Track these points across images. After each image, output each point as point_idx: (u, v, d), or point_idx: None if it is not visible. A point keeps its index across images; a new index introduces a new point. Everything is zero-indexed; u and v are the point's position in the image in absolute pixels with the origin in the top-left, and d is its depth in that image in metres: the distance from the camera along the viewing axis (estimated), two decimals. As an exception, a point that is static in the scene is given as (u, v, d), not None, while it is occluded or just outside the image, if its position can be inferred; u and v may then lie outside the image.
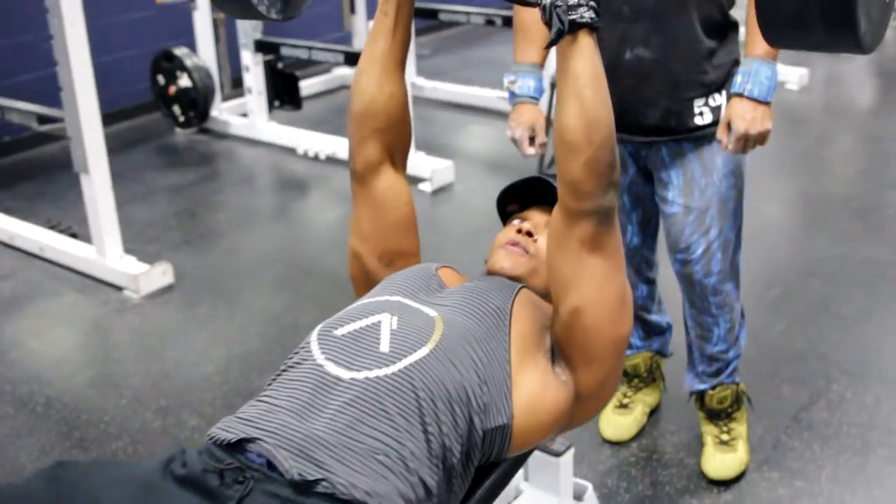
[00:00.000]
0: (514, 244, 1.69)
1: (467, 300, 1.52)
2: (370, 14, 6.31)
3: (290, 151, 5.12)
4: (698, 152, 2.26)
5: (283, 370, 1.46)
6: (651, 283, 2.63)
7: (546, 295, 1.64)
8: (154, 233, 4.13)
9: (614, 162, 1.41)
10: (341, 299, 3.13)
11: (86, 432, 2.73)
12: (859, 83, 6.65)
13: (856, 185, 4.66)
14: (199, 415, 2.80)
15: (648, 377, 2.72)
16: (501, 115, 5.61)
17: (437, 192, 4.50)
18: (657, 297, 2.68)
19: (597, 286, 1.45)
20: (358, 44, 6.21)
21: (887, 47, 7.20)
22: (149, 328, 3.34)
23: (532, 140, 2.30)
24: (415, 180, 4.35)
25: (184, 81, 5.25)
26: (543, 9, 1.38)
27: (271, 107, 5.34)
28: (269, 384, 1.45)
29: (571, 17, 1.36)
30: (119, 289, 3.57)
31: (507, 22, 5.79)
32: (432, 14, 6.04)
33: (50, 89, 4.53)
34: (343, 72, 6.40)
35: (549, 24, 1.38)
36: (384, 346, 1.41)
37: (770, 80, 2.09)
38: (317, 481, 1.26)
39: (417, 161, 4.41)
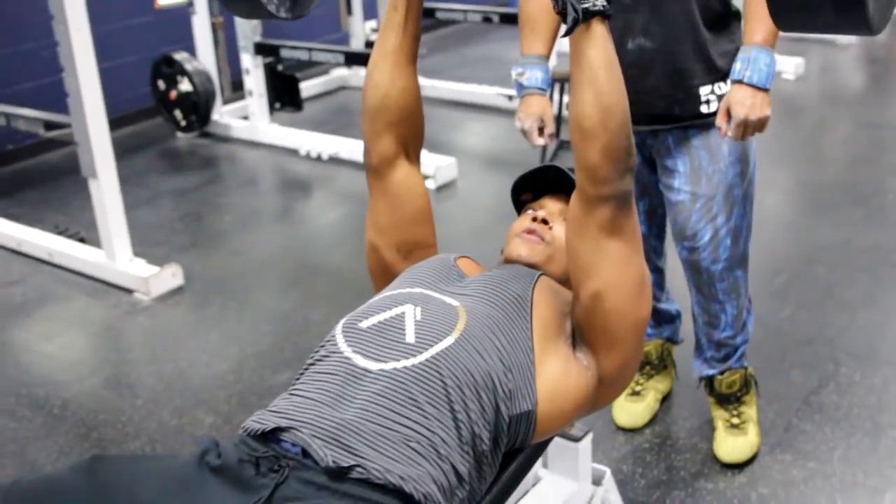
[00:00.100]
0: (530, 232, 1.71)
1: (488, 289, 1.55)
2: (367, 15, 6.35)
3: (293, 153, 5.14)
4: (705, 140, 2.28)
5: (311, 364, 1.49)
6: (659, 272, 2.65)
7: (563, 281, 1.67)
8: (161, 236, 4.15)
9: (630, 147, 1.44)
10: (350, 296, 3.18)
11: (104, 433, 2.76)
12: (854, 71, 6.69)
13: (855, 171, 4.70)
14: (215, 413, 2.82)
15: (660, 364, 2.75)
16: (500, 112, 5.66)
17: (440, 188, 4.53)
18: (665, 286, 2.71)
19: (617, 269, 1.48)
20: (355, 45, 6.24)
21: (879, 35, 7.23)
22: (161, 329, 3.37)
23: (541, 131, 2.32)
24: (418, 178, 4.37)
25: (185, 86, 5.27)
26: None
27: (272, 109, 5.37)
28: (298, 378, 1.48)
29: (585, 6, 1.39)
30: (129, 292, 3.59)
31: (504, 19, 5.83)
32: (429, 13, 6.07)
33: (51, 97, 4.57)
34: (342, 73, 6.43)
35: (562, 13, 1.41)
36: (410, 337, 1.44)
37: (769, 67, 2.11)
38: (351, 467, 1.29)
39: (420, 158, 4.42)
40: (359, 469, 1.29)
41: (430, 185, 4.46)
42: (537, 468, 2.07)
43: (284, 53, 5.21)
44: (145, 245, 3.91)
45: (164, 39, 5.54)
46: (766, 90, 2.11)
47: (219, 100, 5.44)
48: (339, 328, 1.52)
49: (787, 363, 2.94)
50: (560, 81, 4.55)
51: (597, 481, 2.11)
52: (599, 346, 1.52)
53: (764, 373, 2.74)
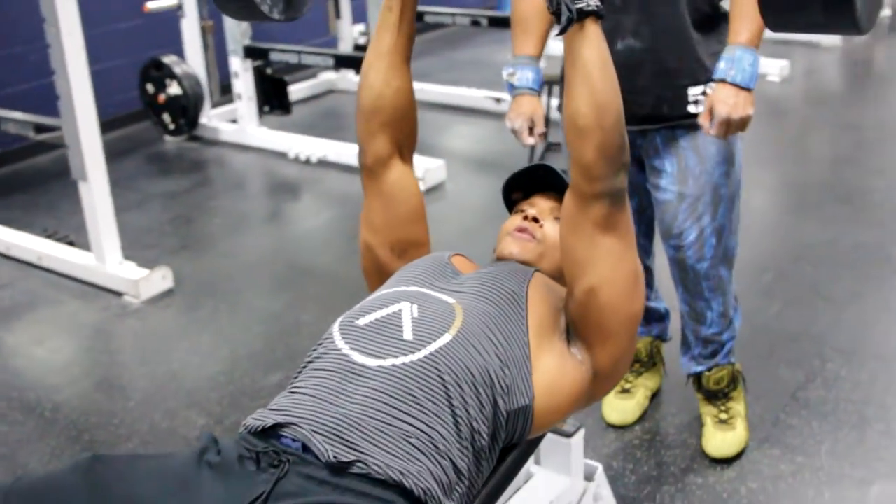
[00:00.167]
0: (522, 230, 1.73)
1: (484, 286, 1.57)
2: (355, 19, 6.37)
3: (282, 156, 5.16)
4: (692, 140, 2.30)
5: (308, 362, 1.50)
6: (648, 271, 2.68)
7: (555, 278, 1.69)
8: (151, 239, 4.16)
9: (624, 144, 1.46)
10: (341, 298, 3.20)
11: (95, 435, 2.76)
12: (838, 73, 6.75)
13: (839, 171, 4.75)
14: (207, 414, 2.83)
15: (649, 362, 2.78)
16: (488, 115, 5.69)
17: (429, 191, 4.55)
18: (654, 285, 2.73)
19: (611, 265, 1.50)
20: (344, 48, 6.26)
21: (862, 38, 7.31)
22: (151, 332, 3.37)
23: (531, 130, 2.35)
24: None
25: (173, 89, 5.28)
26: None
27: (261, 112, 5.38)
28: (296, 377, 1.49)
29: (579, 6, 1.41)
30: (119, 294, 3.60)
31: (493, 22, 5.86)
32: (418, 16, 6.05)
33: (39, 101, 4.58)
34: (330, 76, 6.45)
35: (556, 13, 1.43)
36: (407, 334, 1.45)
37: (752, 67, 2.13)
38: (352, 463, 1.31)
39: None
40: (359, 464, 1.31)
41: (419, 187, 4.47)
42: (529, 465, 2.09)
43: (274, 57, 5.23)
44: (135, 248, 3.91)
45: (152, 43, 5.54)
46: (749, 90, 2.14)
47: (207, 103, 5.45)
48: (336, 326, 1.53)
49: (775, 359, 2.98)
50: (549, 84, 4.57)
51: (589, 477, 2.13)
52: (594, 341, 1.54)
53: (751, 369, 2.77)
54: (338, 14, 6.19)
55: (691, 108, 2.27)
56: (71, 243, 3.94)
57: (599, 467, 2.14)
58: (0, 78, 5.07)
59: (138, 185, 4.84)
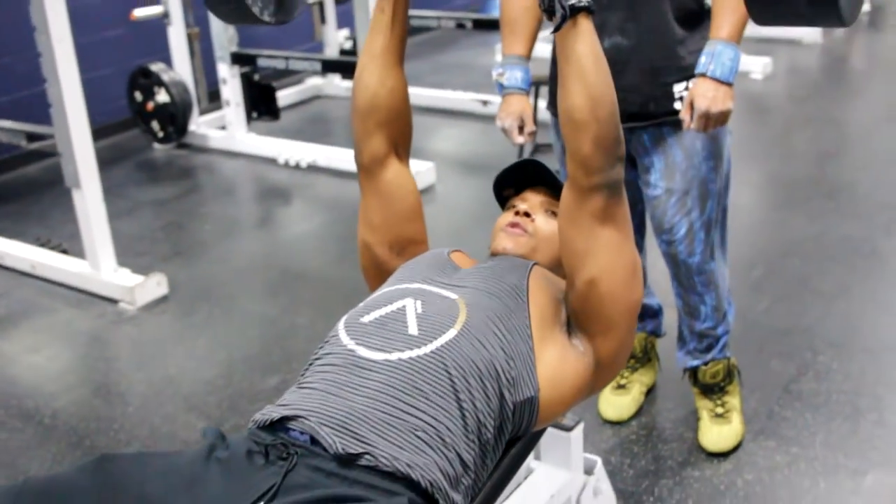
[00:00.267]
0: (514, 225, 1.76)
1: (485, 280, 1.59)
2: (340, 24, 6.39)
3: (271, 161, 5.17)
4: (679, 137, 2.33)
5: (315, 359, 1.52)
6: (641, 267, 2.71)
7: (552, 270, 1.72)
8: (143, 246, 4.17)
9: (619, 136, 1.49)
10: (335, 301, 3.21)
11: (96, 441, 2.77)
12: (819, 70, 6.81)
13: (824, 166, 4.80)
14: (206, 417, 2.85)
15: (644, 357, 2.81)
16: (475, 117, 5.72)
17: (420, 192, 4.56)
18: (647, 282, 2.77)
19: (610, 256, 1.53)
20: (329, 53, 6.28)
21: (840, 33, 7.40)
22: (148, 338, 3.38)
23: (521, 129, 2.37)
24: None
25: (161, 97, 5.28)
26: None
27: (249, 118, 5.39)
28: (303, 374, 1.51)
29: (571, 3, 1.44)
30: (114, 302, 3.61)
31: (478, 25, 5.90)
32: (403, 21, 6.10)
33: (28, 110, 4.58)
34: (316, 82, 6.47)
35: (548, 10, 1.46)
36: (413, 330, 1.48)
37: (732, 62, 2.17)
38: (360, 455, 1.33)
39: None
40: (367, 456, 1.33)
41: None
42: (530, 460, 2.11)
43: (261, 62, 5.24)
44: (128, 255, 3.92)
45: (140, 51, 5.55)
46: (729, 84, 2.17)
47: (195, 110, 5.45)
48: (341, 324, 1.55)
49: (767, 353, 3.01)
50: (535, 85, 4.61)
51: (588, 471, 2.16)
52: (595, 331, 1.57)
53: (744, 363, 2.81)
54: (323, 20, 6.21)
55: (677, 105, 2.30)
56: (64, 251, 3.95)
57: (599, 461, 2.16)
58: (-13, 89, 5.07)
59: (128, 193, 4.84)
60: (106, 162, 5.19)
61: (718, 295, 2.52)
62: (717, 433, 2.58)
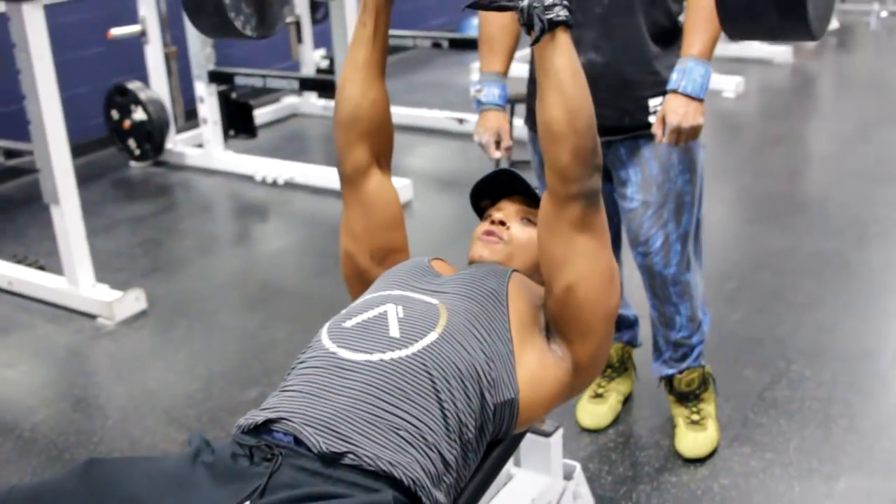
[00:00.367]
0: (489, 234, 1.79)
1: (465, 286, 1.63)
2: (317, 44, 6.43)
3: (248, 179, 5.19)
4: (655, 150, 2.38)
5: (298, 363, 1.54)
6: (617, 279, 2.75)
7: (529, 276, 1.75)
8: (121, 263, 4.17)
9: (597, 147, 1.54)
10: (314, 315, 3.23)
11: (76, 454, 2.77)
12: (789, 89, 6.93)
13: (795, 183, 4.89)
14: (187, 430, 2.85)
15: (621, 367, 2.85)
16: (451, 136, 5.77)
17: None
18: (622, 294, 2.81)
19: (588, 263, 1.57)
20: (306, 72, 6.31)
21: (810, 53, 7.54)
22: (127, 352, 3.39)
23: (498, 144, 2.42)
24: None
25: (139, 115, 5.29)
26: (521, 11, 1.50)
27: (226, 136, 5.41)
28: (286, 379, 1.53)
29: (549, 17, 1.48)
30: (93, 317, 3.61)
31: (454, 44, 5.95)
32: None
33: (4, 127, 4.57)
34: (293, 101, 6.50)
35: (527, 24, 1.50)
36: (394, 332, 1.50)
37: (703, 78, 2.22)
38: (343, 454, 1.35)
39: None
40: (350, 455, 1.35)
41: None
42: (510, 467, 2.14)
43: (239, 81, 5.27)
44: (106, 271, 3.91)
45: (117, 69, 5.56)
46: (700, 100, 2.22)
47: (172, 128, 5.47)
48: (323, 330, 1.58)
49: (741, 363, 3.06)
50: (511, 103, 4.66)
51: (568, 476, 2.19)
52: (573, 336, 1.60)
53: (719, 372, 2.85)
54: (300, 39, 6.25)
55: (651, 119, 2.34)
56: (41, 268, 3.94)
57: (578, 466, 2.20)
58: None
59: (105, 211, 4.84)
60: (82, 180, 5.14)
61: (693, 305, 2.56)
62: (693, 440, 2.62)
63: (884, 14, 8.38)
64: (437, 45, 6.03)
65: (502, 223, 1.80)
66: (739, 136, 5.76)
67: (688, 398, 2.66)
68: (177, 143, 5.53)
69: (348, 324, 1.56)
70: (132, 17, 5.25)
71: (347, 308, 1.63)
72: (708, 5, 2.15)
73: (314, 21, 6.37)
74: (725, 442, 2.65)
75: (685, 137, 2.24)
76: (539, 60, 1.53)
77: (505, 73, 2.46)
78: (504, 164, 4.80)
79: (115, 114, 5.39)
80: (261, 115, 6.14)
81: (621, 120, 2.36)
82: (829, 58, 7.65)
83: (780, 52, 7.26)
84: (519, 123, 2.96)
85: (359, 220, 1.84)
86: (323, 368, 1.48)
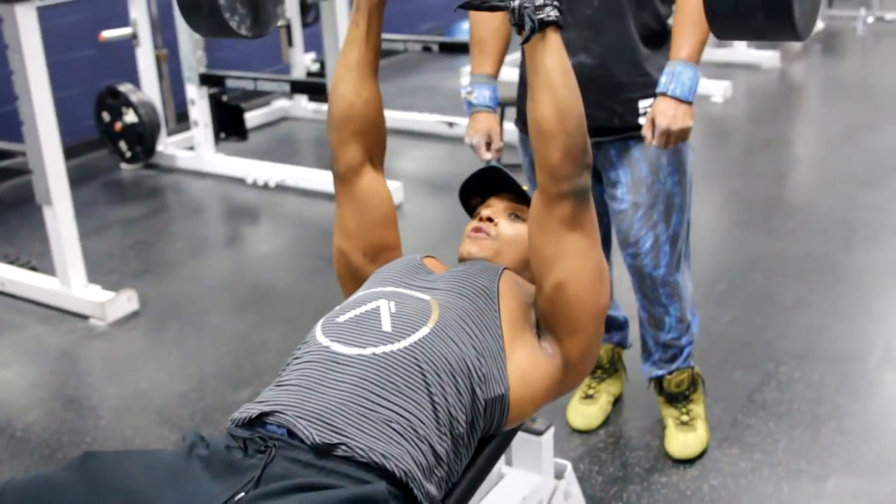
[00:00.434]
0: (477, 230, 1.82)
1: (457, 282, 1.65)
2: (307, 47, 6.45)
3: (239, 181, 5.20)
4: (645, 152, 2.40)
5: (293, 359, 1.56)
6: (607, 279, 2.77)
7: (518, 273, 1.77)
8: (113, 264, 4.17)
9: (587, 146, 1.56)
10: (305, 316, 3.24)
11: (69, 453, 2.78)
12: (776, 93, 6.97)
13: (783, 186, 4.93)
14: (179, 430, 2.86)
15: (611, 368, 2.87)
16: (441, 139, 5.79)
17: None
18: (612, 295, 2.83)
19: (577, 261, 1.59)
20: (297, 76, 6.33)
21: (797, 58, 7.59)
22: (119, 353, 3.39)
23: (488, 146, 2.44)
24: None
25: (130, 117, 5.30)
26: (512, 11, 1.52)
27: (217, 139, 5.42)
28: (281, 373, 1.55)
29: (540, 17, 1.51)
30: (85, 318, 3.61)
31: (444, 48, 5.98)
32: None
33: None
34: (283, 104, 6.52)
35: (518, 24, 1.53)
36: (386, 327, 1.52)
37: (691, 81, 2.25)
38: (336, 445, 1.37)
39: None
40: (343, 447, 1.37)
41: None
42: (501, 465, 2.16)
43: (230, 83, 5.28)
44: (98, 273, 3.92)
45: (108, 72, 5.56)
46: (688, 103, 2.25)
47: (164, 131, 5.47)
48: (318, 326, 1.60)
49: (730, 365, 3.09)
50: (502, 105, 4.68)
51: (559, 475, 2.21)
52: (563, 334, 1.62)
53: (709, 374, 2.88)
54: (290, 42, 6.26)
55: (642, 121, 2.36)
56: (34, 268, 3.95)
57: (569, 465, 2.21)
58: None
59: (97, 213, 4.84)
60: (74, 181, 5.13)
61: (682, 306, 2.58)
62: (682, 440, 2.64)
63: (870, 20, 8.45)
64: (427, 49, 6.05)
65: (490, 220, 1.82)
66: (727, 141, 5.81)
67: (677, 399, 2.69)
68: (168, 145, 5.54)
69: (341, 319, 1.58)
70: (123, 20, 5.26)
71: (341, 304, 1.65)
72: (696, 8, 2.18)
73: (305, 24, 6.38)
74: (715, 443, 2.68)
75: (674, 140, 2.27)
76: (530, 60, 1.55)
77: (496, 76, 2.48)
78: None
79: (106, 116, 5.40)
80: (252, 117, 6.15)
81: (611, 121, 2.38)
82: (816, 63, 7.71)
83: (767, 57, 7.31)
84: (509, 127, 2.98)
85: (352, 218, 1.85)
86: (316, 362, 1.50)
